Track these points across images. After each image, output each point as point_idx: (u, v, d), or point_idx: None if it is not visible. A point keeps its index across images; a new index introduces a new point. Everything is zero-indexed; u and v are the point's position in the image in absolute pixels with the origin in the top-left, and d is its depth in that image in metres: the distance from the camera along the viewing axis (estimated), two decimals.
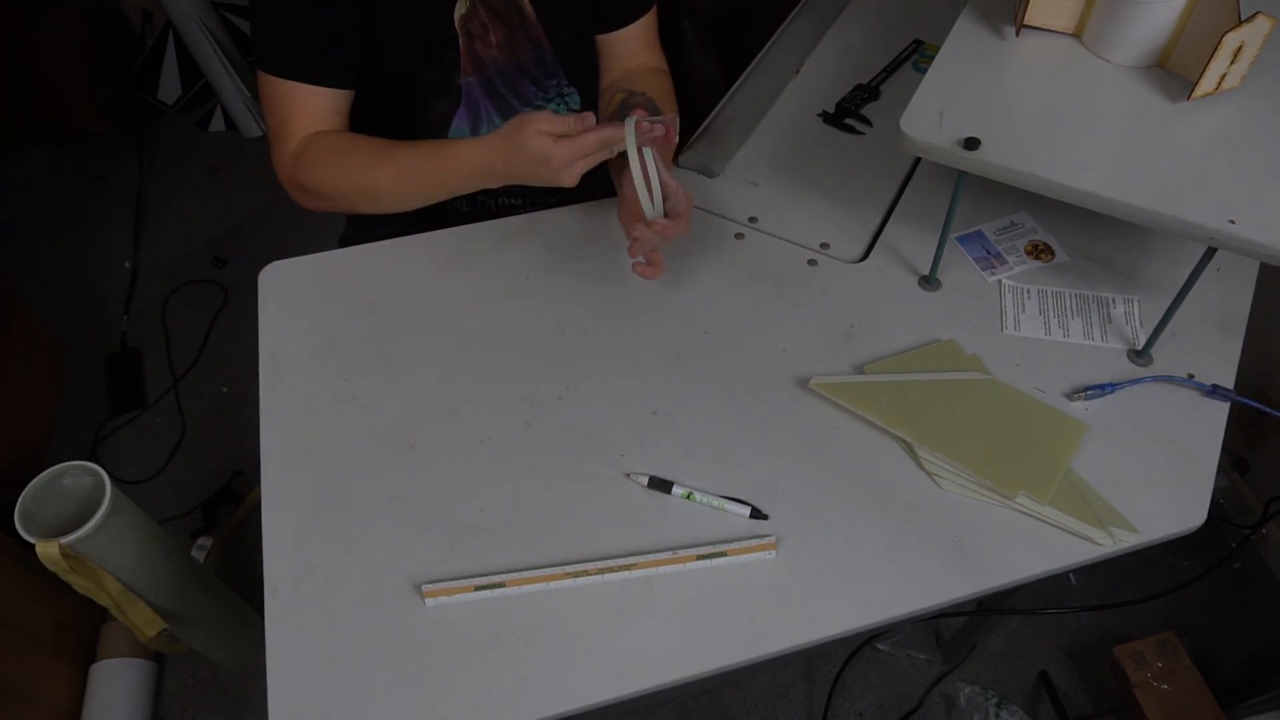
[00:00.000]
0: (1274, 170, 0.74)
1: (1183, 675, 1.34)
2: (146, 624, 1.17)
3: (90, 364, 1.88)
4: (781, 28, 1.22)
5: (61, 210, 2.22)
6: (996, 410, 0.81)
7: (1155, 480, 0.77)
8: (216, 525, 1.62)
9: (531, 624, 0.71)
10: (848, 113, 1.10)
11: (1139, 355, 0.85)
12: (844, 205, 1.00)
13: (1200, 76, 0.77)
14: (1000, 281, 0.92)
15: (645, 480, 0.78)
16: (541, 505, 0.77)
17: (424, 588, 0.72)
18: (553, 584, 0.72)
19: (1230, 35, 0.73)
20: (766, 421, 0.82)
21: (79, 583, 1.06)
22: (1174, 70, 0.82)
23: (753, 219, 0.99)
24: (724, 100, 1.13)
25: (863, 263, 0.94)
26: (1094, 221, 0.95)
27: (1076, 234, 0.96)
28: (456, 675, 0.68)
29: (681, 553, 0.73)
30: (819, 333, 0.88)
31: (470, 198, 1.06)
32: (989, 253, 0.94)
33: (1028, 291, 0.91)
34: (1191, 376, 0.83)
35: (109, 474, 1.04)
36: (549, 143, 0.81)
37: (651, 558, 0.73)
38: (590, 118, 0.81)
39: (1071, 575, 1.52)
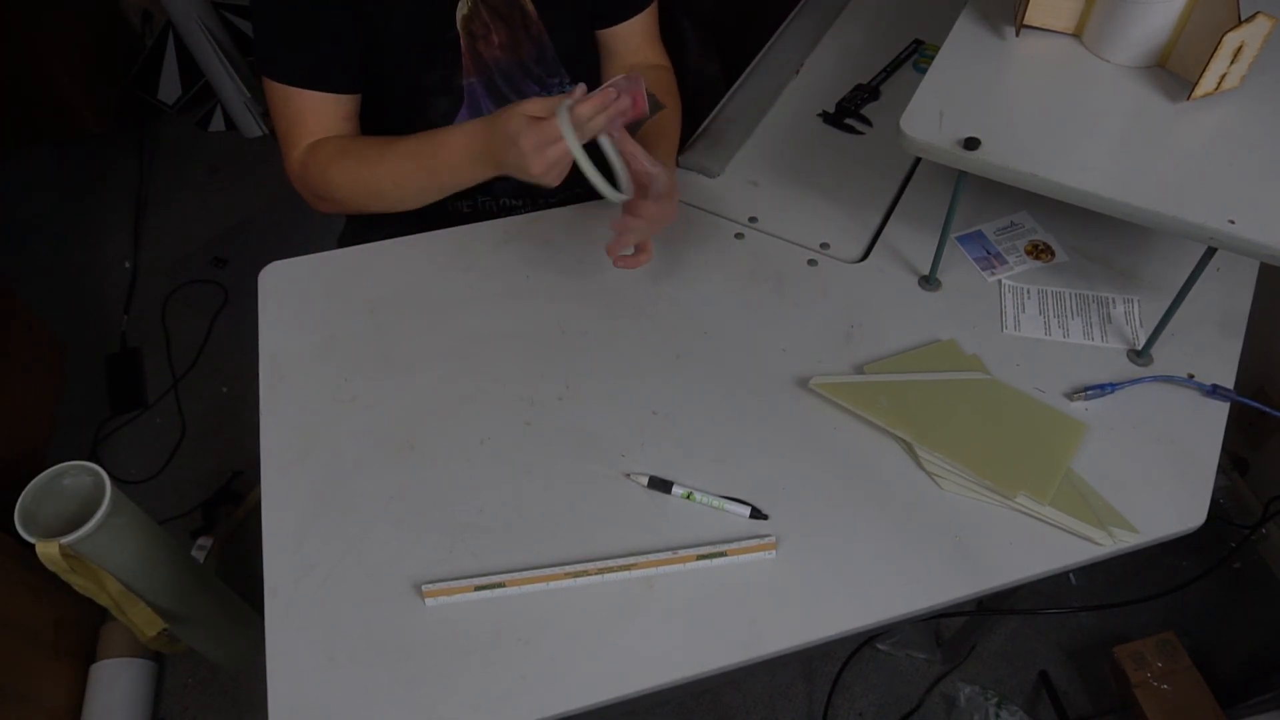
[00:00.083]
0: (1274, 170, 0.74)
1: (1183, 675, 1.34)
2: (146, 624, 1.17)
3: (90, 364, 1.88)
4: (781, 28, 1.22)
5: (61, 210, 2.22)
6: (996, 410, 0.81)
7: (1155, 480, 0.77)
8: (216, 525, 1.62)
9: (531, 624, 0.71)
10: (848, 113, 1.10)
11: (1139, 355, 0.85)
12: (844, 205, 1.00)
13: (1200, 76, 0.77)
14: (1000, 281, 0.92)
15: (645, 480, 0.78)
16: (541, 505, 0.77)
17: (424, 588, 0.72)
18: (553, 584, 0.72)
19: (1230, 35, 0.73)
20: (766, 421, 0.82)
21: (79, 583, 1.06)
22: (1174, 70, 0.82)
23: (753, 219, 0.99)
24: (724, 100, 1.13)
25: (863, 263, 0.94)
26: (1094, 221, 0.95)
27: (1076, 234, 0.96)
28: (456, 675, 0.68)
29: (681, 553, 0.73)
30: (819, 333, 0.88)
31: (470, 197, 1.06)
32: (989, 253, 0.94)
33: (1028, 291, 0.91)
34: (1191, 376, 0.83)
35: (109, 474, 1.04)
36: (523, 123, 0.77)
37: (651, 558, 0.73)
38: (580, 89, 0.78)
39: (1071, 575, 1.52)
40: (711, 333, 0.89)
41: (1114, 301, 0.90)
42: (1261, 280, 0.92)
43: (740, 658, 0.69)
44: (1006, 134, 0.78)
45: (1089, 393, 0.82)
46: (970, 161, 0.77)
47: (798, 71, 1.16)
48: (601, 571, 0.73)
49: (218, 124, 2.34)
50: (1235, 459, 1.55)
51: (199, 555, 1.53)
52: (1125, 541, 0.74)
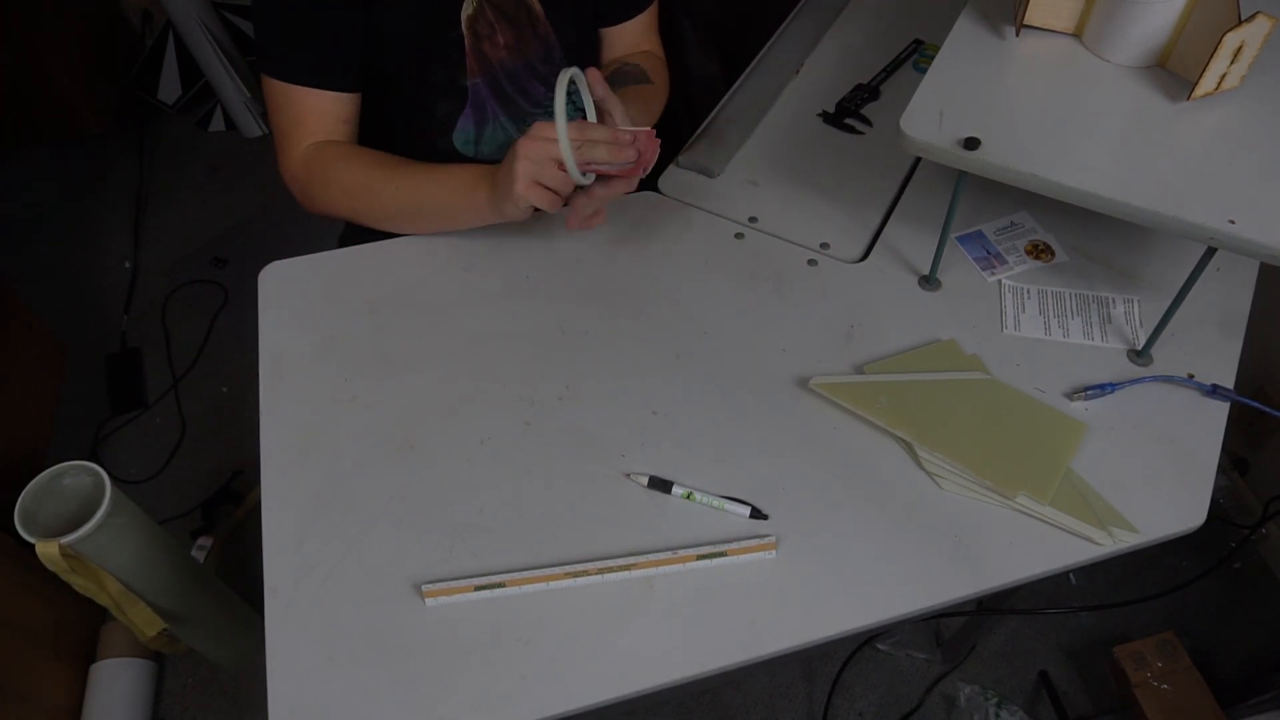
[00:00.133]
0: (1274, 170, 0.74)
1: (1183, 675, 1.34)
2: (146, 624, 1.17)
3: (90, 364, 1.88)
4: (781, 28, 1.22)
5: (61, 210, 2.22)
6: (996, 410, 0.81)
7: (1155, 480, 0.77)
8: (216, 525, 1.62)
9: (531, 624, 0.71)
10: (848, 113, 1.10)
11: (1139, 355, 0.85)
12: (844, 205, 1.00)
13: (1200, 76, 0.77)
14: (1000, 281, 0.92)
15: (645, 480, 0.78)
16: (541, 505, 0.77)
17: (424, 588, 0.72)
18: (553, 584, 0.72)
19: (1230, 35, 0.73)
20: (766, 421, 0.82)
21: (79, 583, 1.07)
22: (1174, 70, 0.82)
23: (753, 219, 0.99)
24: (724, 100, 1.13)
25: (863, 263, 0.94)
26: (1094, 221, 0.95)
27: (1076, 234, 0.96)
28: (456, 675, 0.68)
29: (681, 553, 0.73)
30: (819, 333, 0.88)
31: None
32: (989, 253, 0.94)
33: (1028, 291, 0.91)
34: (1191, 376, 0.83)
35: (109, 474, 1.04)
36: (519, 139, 0.79)
37: (651, 558, 0.73)
38: (595, 73, 0.81)
39: (1071, 575, 1.52)
40: (711, 333, 0.89)
41: (1114, 301, 0.90)
42: (1261, 280, 0.92)
43: (740, 658, 0.69)
44: (1006, 134, 0.78)
45: (1089, 393, 0.82)
46: (970, 161, 0.77)
47: (798, 71, 1.16)
48: (601, 571, 0.73)
49: (218, 124, 2.34)
50: (1235, 459, 1.55)
51: (199, 555, 1.54)
52: (1125, 541, 0.74)
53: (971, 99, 0.81)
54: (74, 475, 1.05)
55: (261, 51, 0.90)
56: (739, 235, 0.97)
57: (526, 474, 0.79)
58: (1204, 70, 0.76)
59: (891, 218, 0.99)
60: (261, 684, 0.68)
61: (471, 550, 0.75)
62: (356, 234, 1.13)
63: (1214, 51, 0.74)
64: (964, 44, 0.87)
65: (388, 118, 1.00)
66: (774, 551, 0.74)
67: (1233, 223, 0.71)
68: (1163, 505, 0.76)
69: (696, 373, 0.85)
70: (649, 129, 0.82)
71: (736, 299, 0.91)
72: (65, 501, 1.06)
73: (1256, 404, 0.83)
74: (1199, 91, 0.78)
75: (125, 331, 1.94)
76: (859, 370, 0.85)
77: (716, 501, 0.76)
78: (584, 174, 0.79)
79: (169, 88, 2.32)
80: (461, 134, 1.02)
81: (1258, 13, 0.72)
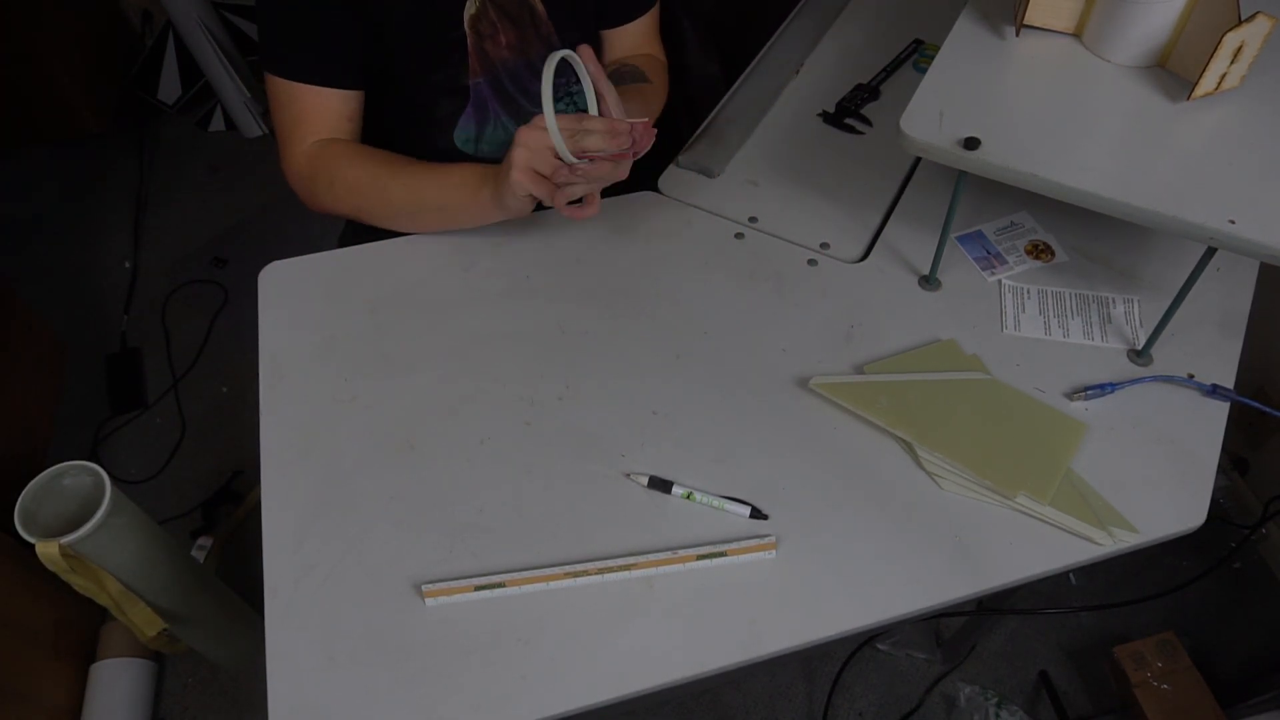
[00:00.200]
0: (1274, 170, 0.74)
1: (1183, 675, 1.34)
2: (146, 624, 1.17)
3: (90, 364, 1.88)
4: (781, 28, 1.22)
5: (61, 210, 2.22)
6: (996, 410, 0.81)
7: (1155, 480, 0.77)
8: (216, 525, 1.62)
9: (531, 624, 0.71)
10: (848, 113, 1.10)
11: (1139, 355, 0.85)
12: (844, 205, 1.00)
13: (1200, 76, 0.77)
14: (1000, 281, 0.92)
15: (645, 480, 0.78)
16: (541, 505, 0.77)
17: (424, 588, 0.72)
18: (553, 584, 0.72)
19: (1230, 35, 0.73)
20: (766, 421, 0.82)
21: (79, 583, 1.06)
22: (1174, 70, 0.82)
23: (753, 219, 0.99)
24: (724, 100, 1.13)
25: (863, 263, 0.94)
26: (1094, 221, 0.95)
27: (1076, 234, 0.96)
28: (456, 675, 0.68)
29: (681, 553, 0.73)
30: (819, 333, 0.88)
31: None
32: (989, 253, 0.94)
33: (1028, 291, 0.91)
34: (1191, 376, 0.83)
35: (109, 474, 1.04)
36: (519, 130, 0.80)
37: (651, 558, 0.73)
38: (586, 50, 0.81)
39: (1071, 575, 1.52)
40: (711, 333, 0.89)
41: (1114, 301, 0.90)
42: (1261, 280, 0.92)
43: (740, 658, 0.69)
44: (1006, 134, 0.78)
45: (1089, 393, 0.82)
46: (970, 161, 0.77)
47: (798, 71, 1.16)
48: (601, 571, 0.73)
49: (218, 124, 2.34)
50: (1235, 459, 1.55)
51: (199, 555, 1.54)
52: (1125, 541, 0.74)
53: (971, 99, 0.81)
54: (74, 475, 1.05)
55: (264, 49, 0.90)
56: (739, 235, 0.97)
57: (526, 474, 0.79)
58: (1204, 70, 0.76)
59: (891, 218, 0.99)
60: (261, 684, 0.68)
61: (471, 550, 0.75)
62: (357, 234, 1.13)
63: (1214, 51, 0.74)
64: (964, 44, 0.87)
65: (389, 117, 1.00)
66: (774, 551, 0.74)
67: (1233, 223, 0.71)
68: (1163, 505, 0.76)
69: (696, 373, 0.85)
70: (646, 120, 0.82)
71: (736, 299, 0.91)
72: (65, 501, 1.06)
73: (1256, 404, 0.83)
74: (1199, 91, 0.78)
75: (125, 331, 1.94)
76: (859, 370, 0.85)
77: (716, 501, 0.76)
78: (577, 158, 0.80)
79: (169, 88, 2.32)
80: (463, 133, 1.02)
81: (1258, 13, 0.72)
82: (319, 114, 0.92)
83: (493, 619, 0.71)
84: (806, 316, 0.90)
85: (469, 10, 0.93)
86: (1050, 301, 0.90)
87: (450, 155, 1.02)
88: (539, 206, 1.05)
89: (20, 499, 1.01)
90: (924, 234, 0.96)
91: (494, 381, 0.85)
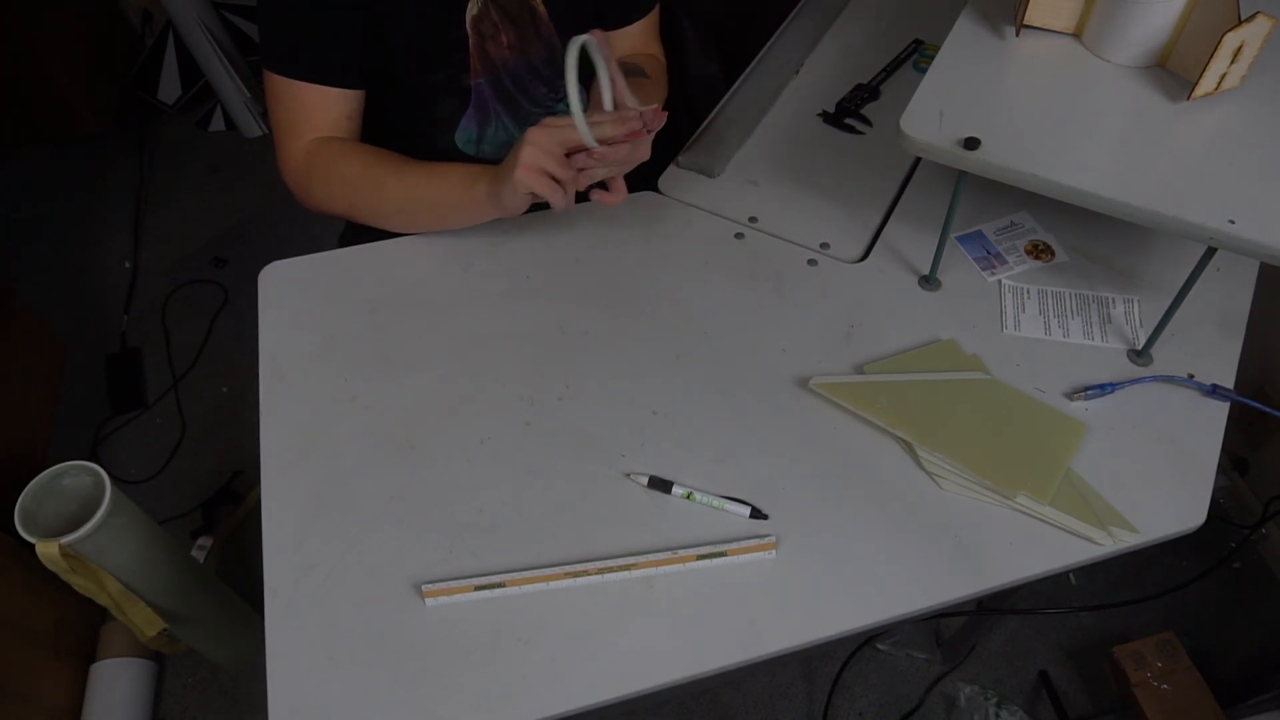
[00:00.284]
0: (1274, 170, 0.74)
1: (1183, 675, 1.34)
2: (146, 624, 1.17)
3: (90, 364, 1.88)
4: (781, 28, 1.22)
5: (61, 210, 2.22)
6: (996, 410, 0.81)
7: (1155, 480, 0.77)
8: (216, 525, 1.62)
9: (531, 624, 0.71)
10: (848, 113, 1.10)
11: (1139, 355, 0.85)
12: (844, 205, 1.00)
13: (1200, 76, 0.77)
14: (1000, 281, 0.92)
15: (645, 480, 0.78)
16: (541, 505, 0.77)
17: (424, 588, 0.72)
18: (553, 584, 0.72)
19: (1230, 35, 0.73)
20: (766, 421, 0.82)
21: (79, 583, 1.06)
22: (1174, 70, 0.82)
23: (753, 219, 0.99)
24: (724, 100, 1.13)
25: (863, 263, 0.94)
26: (1094, 221, 0.95)
27: (1076, 234, 0.96)
28: (456, 675, 0.68)
29: (681, 553, 0.73)
30: (819, 333, 0.88)
31: None
32: (989, 253, 0.94)
33: (1028, 291, 0.91)
34: (1191, 376, 0.83)
35: (109, 474, 1.04)
36: (527, 130, 0.81)
37: (651, 558, 0.73)
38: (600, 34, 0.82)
39: (1071, 575, 1.52)
40: (711, 333, 0.89)
41: (1114, 301, 0.90)
42: (1261, 280, 0.92)
43: (740, 658, 0.69)
44: (1006, 134, 0.78)
45: (1089, 393, 0.82)
46: (970, 161, 0.77)
47: (798, 71, 1.16)
48: (601, 571, 0.73)
49: (218, 124, 2.34)
50: (1235, 459, 1.55)
51: (199, 555, 1.54)
52: (1125, 541, 0.74)
53: (971, 99, 0.81)
54: (74, 475, 1.05)
55: (265, 47, 0.90)
56: (739, 235, 0.97)
57: (526, 474, 0.79)
58: (1204, 70, 0.76)
59: (891, 218, 0.99)
60: (261, 684, 0.68)
61: (471, 550, 0.75)
62: (356, 234, 1.13)
63: (1214, 51, 0.74)
64: (964, 44, 0.87)
65: (390, 117, 1.00)
66: (774, 551, 0.74)
67: (1233, 223, 0.71)
68: (1163, 505, 0.76)
69: (696, 373, 0.86)
70: (655, 107, 0.82)
71: (736, 299, 0.91)
72: (65, 501, 1.06)
73: (1256, 404, 0.83)
74: (1199, 91, 0.78)
75: (125, 331, 1.94)
76: (859, 370, 0.85)
77: (716, 501, 0.76)
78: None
79: (169, 88, 2.32)
80: (464, 133, 1.02)
81: (1258, 13, 0.72)
82: (317, 112, 0.92)
83: (493, 619, 0.71)
84: (806, 316, 0.90)
85: (471, 10, 0.93)
86: (1050, 301, 0.90)
87: (451, 155, 1.02)
88: (535, 206, 1.05)
89: (20, 499, 1.01)
90: (924, 234, 0.96)
91: (494, 381, 0.85)
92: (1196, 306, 0.88)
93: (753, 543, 0.74)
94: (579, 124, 0.79)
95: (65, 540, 0.99)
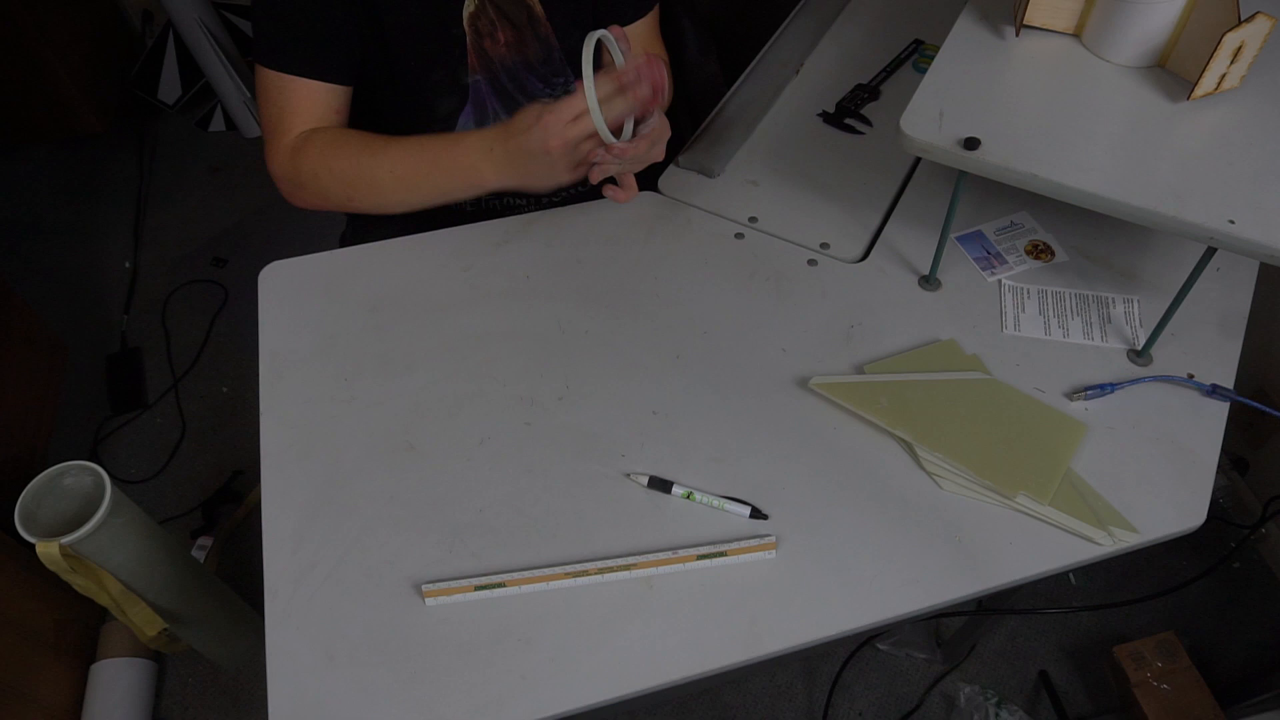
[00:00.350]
0: (1274, 170, 0.74)
1: (1182, 675, 1.34)
2: (146, 624, 1.17)
3: (90, 364, 1.88)
4: (781, 28, 1.22)
5: (61, 210, 2.22)
6: (996, 410, 0.81)
7: (1155, 480, 0.77)
8: (216, 525, 1.62)
9: (531, 624, 0.71)
10: (848, 113, 1.10)
11: (1139, 355, 0.85)
12: (844, 205, 1.00)
13: (1200, 76, 0.77)
14: (1000, 281, 0.92)
15: (645, 480, 0.78)
16: (541, 505, 0.77)
17: (424, 588, 0.72)
18: (553, 584, 0.72)
19: (1230, 35, 0.73)
20: (766, 421, 0.82)
21: (79, 583, 1.07)
22: (1174, 70, 0.82)
23: (753, 219, 0.99)
24: (724, 100, 1.13)
25: (863, 263, 0.94)
26: (1094, 221, 0.95)
27: (1076, 234, 0.96)
28: (456, 675, 0.68)
29: (681, 552, 0.73)
30: (819, 333, 0.88)
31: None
32: (989, 252, 0.94)
33: (1028, 291, 0.91)
34: (1191, 376, 0.83)
35: (109, 474, 1.04)
36: (543, 106, 0.81)
37: (651, 558, 0.73)
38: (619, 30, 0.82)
39: (1071, 575, 1.52)
40: (711, 333, 0.89)
41: (1114, 301, 0.90)
42: (1261, 280, 0.92)
43: (740, 658, 0.69)
44: (1006, 134, 0.78)
45: (1089, 393, 0.82)
46: (970, 161, 0.77)
47: (798, 71, 1.16)
48: (601, 571, 0.73)
49: (218, 124, 2.34)
50: (1235, 459, 1.55)
51: (199, 555, 1.54)
52: (1125, 541, 0.74)
53: (971, 99, 0.81)
54: (74, 475, 1.05)
55: (257, 40, 0.90)
56: (739, 235, 0.97)
57: (526, 474, 0.79)
58: (1204, 70, 0.76)
59: (891, 218, 0.99)
60: (261, 684, 0.69)
61: (471, 550, 0.75)
62: (356, 234, 1.13)
63: (1214, 51, 0.74)
64: (964, 44, 0.87)
65: (388, 114, 1.00)
66: (774, 551, 0.74)
67: (1233, 223, 0.71)
68: (1163, 505, 0.76)
69: (696, 373, 0.86)
70: (647, 54, 0.83)
71: (736, 299, 0.91)
72: (65, 501, 1.06)
73: (1256, 404, 0.83)
74: (1199, 91, 0.78)
75: (125, 331, 1.94)
76: (859, 370, 0.85)
77: (716, 501, 0.76)
78: (614, 134, 0.82)
79: (169, 88, 2.32)
80: (462, 130, 1.02)
81: (1258, 13, 0.72)
82: (306, 106, 0.91)
83: (493, 619, 0.71)
84: (806, 316, 0.90)
85: (468, 8, 0.93)
86: (1050, 301, 0.90)
87: None
88: (535, 205, 1.05)
89: (20, 499, 1.01)
90: (924, 234, 0.96)
91: (494, 381, 0.85)
92: (1196, 306, 0.88)
93: (753, 543, 0.74)
94: (598, 124, 0.79)
95: (65, 540, 0.99)
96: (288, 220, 2.12)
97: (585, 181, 0.89)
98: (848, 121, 1.09)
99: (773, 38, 1.21)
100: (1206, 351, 0.85)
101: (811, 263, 0.94)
